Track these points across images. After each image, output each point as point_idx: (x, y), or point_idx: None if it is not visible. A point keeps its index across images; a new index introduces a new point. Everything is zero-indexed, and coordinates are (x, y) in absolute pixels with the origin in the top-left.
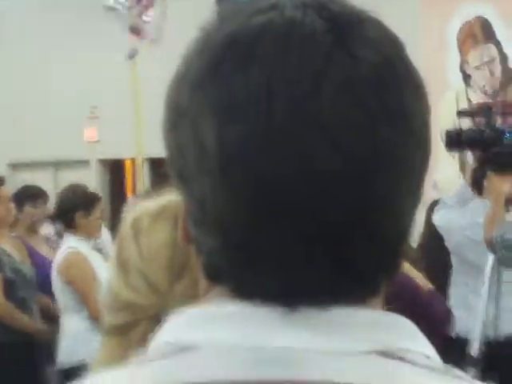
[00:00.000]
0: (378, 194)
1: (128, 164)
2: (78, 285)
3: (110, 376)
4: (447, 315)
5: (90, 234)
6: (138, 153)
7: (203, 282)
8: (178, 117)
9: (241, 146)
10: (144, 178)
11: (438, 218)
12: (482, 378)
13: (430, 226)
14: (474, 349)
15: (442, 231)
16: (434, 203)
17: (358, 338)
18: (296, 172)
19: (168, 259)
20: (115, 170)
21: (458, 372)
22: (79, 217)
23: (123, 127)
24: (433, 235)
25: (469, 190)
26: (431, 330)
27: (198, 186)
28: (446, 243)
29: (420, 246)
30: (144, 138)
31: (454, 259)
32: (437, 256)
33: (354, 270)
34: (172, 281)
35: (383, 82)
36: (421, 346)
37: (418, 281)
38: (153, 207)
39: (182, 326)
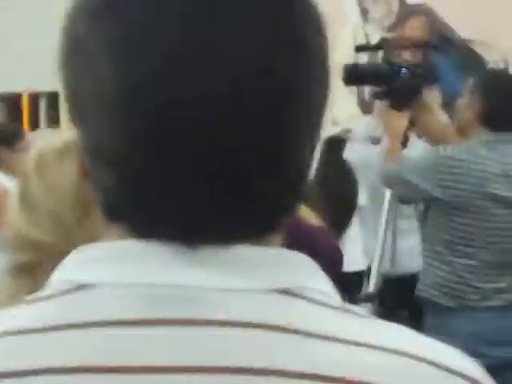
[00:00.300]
0: (277, 129)
1: (25, 98)
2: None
3: (6, 315)
4: (335, 251)
5: (14, 170)
6: (34, 86)
7: (103, 221)
8: (74, 49)
9: (138, 83)
10: (42, 112)
11: (351, 154)
12: (378, 314)
13: (330, 162)
14: (371, 284)
15: (355, 167)
16: (331, 139)
17: (258, 275)
18: (196, 110)
19: (74, 195)
20: (11, 104)
21: (355, 308)
22: (2, 152)
23: (19, 59)
24: (335, 172)
25: (372, 128)
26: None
27: (94, 121)
28: (360, 179)
29: (318, 182)
30: (41, 71)
31: (367, 196)
32: (338, 194)
33: (253, 207)
34: (79, 217)
35: (282, 17)
36: (319, 283)
37: (303, 216)
38: (57, 142)
39: (78, 264)
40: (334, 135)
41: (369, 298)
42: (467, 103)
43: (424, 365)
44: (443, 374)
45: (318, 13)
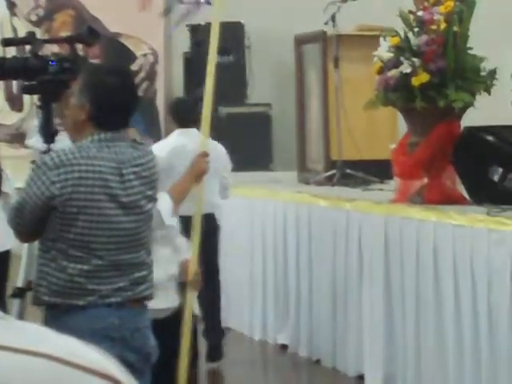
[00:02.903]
0: None
1: None
2: None
3: None
4: None
5: None
6: None
7: None
8: None
9: None
10: None
11: (33, 142)
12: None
13: None
14: (20, 279)
15: (36, 153)
16: None
17: None
18: None
19: None
20: None
21: None
22: None
23: None
24: None
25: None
26: None
27: None
28: None
29: None
30: None
31: None
32: None
33: None
34: None
35: None
36: None
37: None
38: None
39: None
40: None
41: (18, 293)
42: (77, 102)
43: (59, 365)
44: (76, 372)
45: None
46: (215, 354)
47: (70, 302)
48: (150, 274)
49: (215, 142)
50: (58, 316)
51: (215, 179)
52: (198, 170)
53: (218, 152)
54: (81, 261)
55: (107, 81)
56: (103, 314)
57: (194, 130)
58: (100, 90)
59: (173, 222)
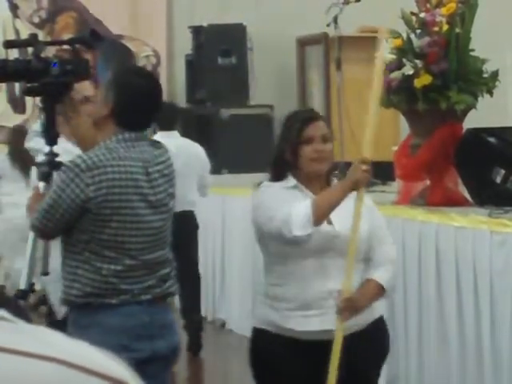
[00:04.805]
0: None
1: None
2: None
3: None
4: None
5: None
6: None
7: None
8: None
9: None
10: None
11: (31, 145)
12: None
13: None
14: (22, 283)
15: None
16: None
17: None
18: None
19: None
20: None
21: None
22: None
23: None
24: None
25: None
26: None
27: None
28: None
29: None
30: None
31: None
32: None
33: None
34: None
35: None
36: None
37: None
38: None
39: None
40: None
41: (21, 296)
42: (103, 99)
43: (64, 367)
44: (81, 375)
45: None
46: (195, 346)
47: (103, 300)
48: (172, 270)
49: (192, 142)
50: (87, 314)
51: (193, 178)
52: (354, 179)
53: (196, 152)
54: (115, 261)
55: (135, 82)
56: (135, 311)
57: (175, 133)
58: (126, 89)
59: (304, 232)
